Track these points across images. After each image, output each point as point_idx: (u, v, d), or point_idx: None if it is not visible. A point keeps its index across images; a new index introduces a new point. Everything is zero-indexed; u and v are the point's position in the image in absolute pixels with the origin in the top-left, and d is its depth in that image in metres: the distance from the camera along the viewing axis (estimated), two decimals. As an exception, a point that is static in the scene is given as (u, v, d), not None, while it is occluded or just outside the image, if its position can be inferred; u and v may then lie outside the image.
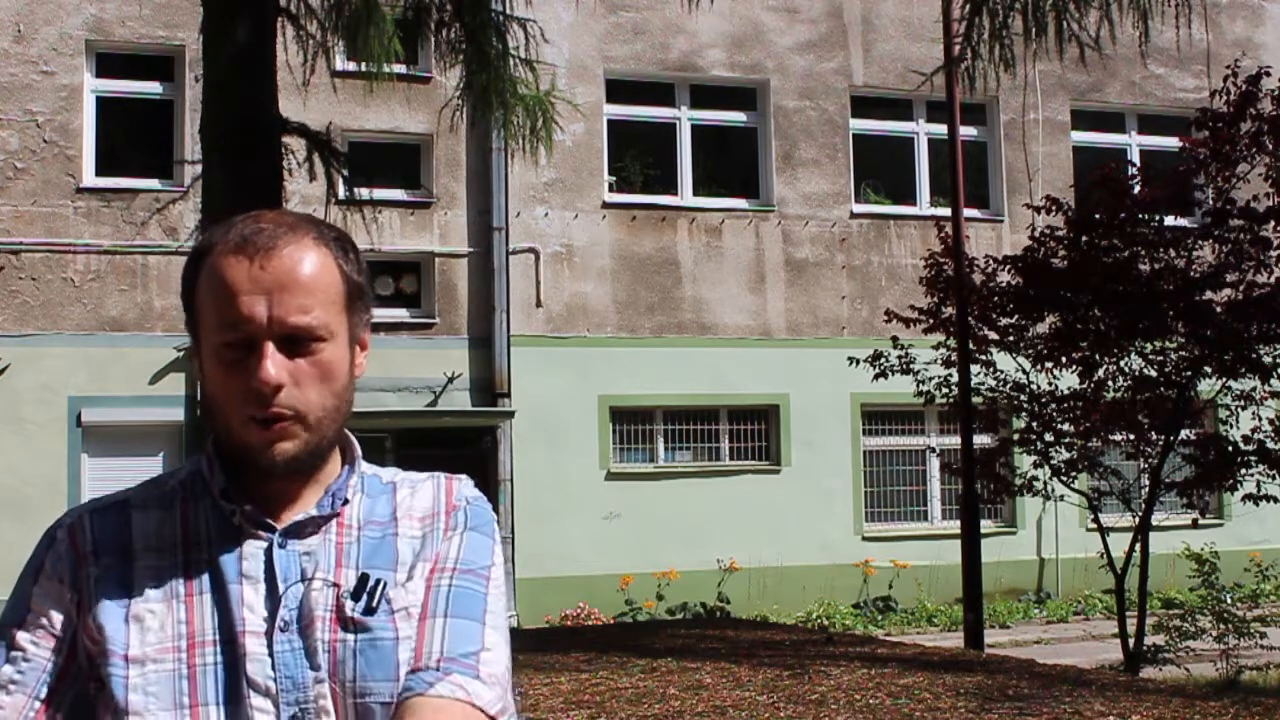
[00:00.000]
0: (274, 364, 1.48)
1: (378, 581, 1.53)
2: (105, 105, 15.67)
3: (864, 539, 17.26)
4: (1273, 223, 10.48)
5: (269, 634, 1.50)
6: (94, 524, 1.55)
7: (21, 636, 1.52)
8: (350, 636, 1.50)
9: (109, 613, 1.50)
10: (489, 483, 15.81)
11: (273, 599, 1.51)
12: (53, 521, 1.59)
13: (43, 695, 1.51)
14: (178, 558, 1.53)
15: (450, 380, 16.07)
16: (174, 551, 1.54)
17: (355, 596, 1.52)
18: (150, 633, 1.49)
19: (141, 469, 14.06)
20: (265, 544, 1.54)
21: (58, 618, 1.52)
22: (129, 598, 1.50)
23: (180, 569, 1.52)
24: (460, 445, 15.79)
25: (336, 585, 1.52)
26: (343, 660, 1.50)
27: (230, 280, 1.50)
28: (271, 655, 1.49)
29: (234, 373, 1.50)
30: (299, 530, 1.55)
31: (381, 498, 1.62)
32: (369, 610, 1.52)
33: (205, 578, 1.52)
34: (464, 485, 1.66)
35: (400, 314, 16.11)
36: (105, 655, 1.49)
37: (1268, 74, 10.53)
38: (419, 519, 1.61)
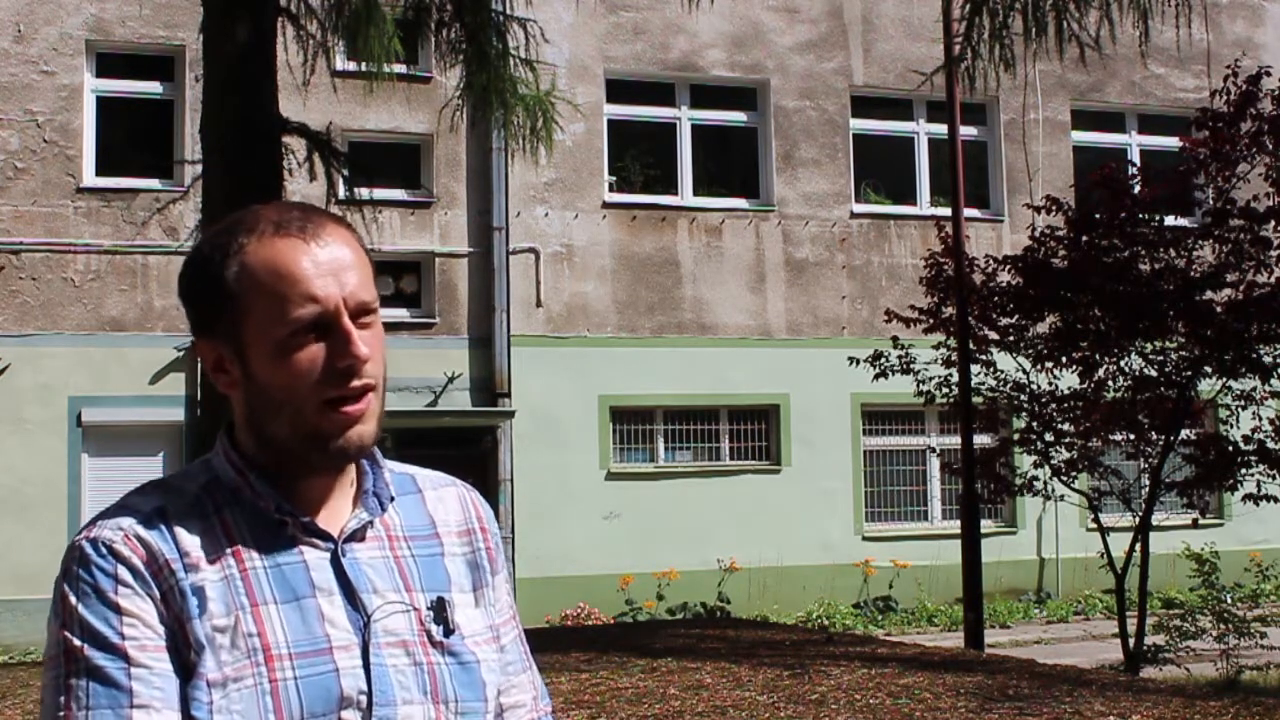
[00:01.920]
0: (360, 338, 1.48)
1: (448, 604, 1.57)
2: (105, 105, 15.67)
3: (864, 539, 17.26)
4: (1273, 223, 10.48)
5: (364, 649, 1.48)
6: (149, 535, 1.46)
7: (137, 654, 1.41)
8: (442, 659, 1.53)
9: (196, 630, 1.43)
10: (489, 483, 15.81)
11: (354, 611, 1.49)
12: (83, 535, 1.47)
13: (178, 708, 1.41)
14: (231, 570, 1.47)
15: (450, 380, 16.07)
16: (225, 563, 1.47)
17: (436, 620, 1.54)
18: (224, 651, 1.43)
19: (141, 469, 14.07)
20: (326, 554, 1.51)
21: (159, 626, 1.42)
22: (200, 616, 1.44)
23: (238, 580, 1.46)
24: (460, 445, 15.79)
25: (416, 610, 1.53)
26: (442, 682, 1.52)
27: (294, 264, 1.47)
28: (367, 671, 1.47)
29: (304, 358, 1.47)
30: (354, 536, 1.54)
31: (409, 498, 1.62)
32: (447, 634, 1.55)
33: (268, 590, 1.47)
34: (482, 500, 1.71)
35: (400, 314, 16.10)
36: (193, 677, 1.42)
37: (1268, 74, 10.53)
38: (456, 534, 1.63)
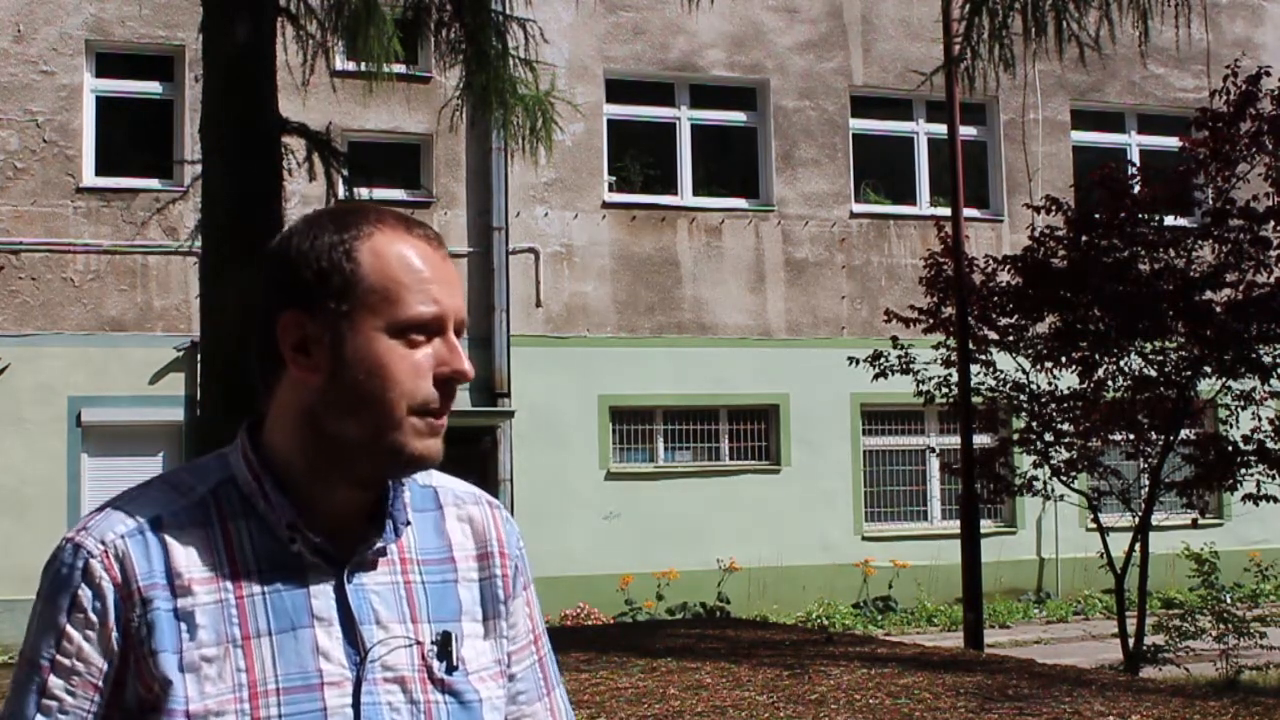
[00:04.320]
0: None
1: (455, 638, 1.49)
2: (105, 105, 15.66)
3: (864, 539, 17.26)
4: (1272, 223, 10.48)
5: (356, 686, 1.40)
6: (134, 553, 1.38)
7: (55, 683, 1.36)
8: (441, 697, 1.45)
9: (167, 662, 1.35)
10: (489, 483, 15.80)
11: (350, 645, 1.41)
12: (71, 535, 1.41)
13: None
14: (227, 593, 1.39)
15: (450, 380, 16.06)
16: (221, 585, 1.39)
17: (440, 656, 1.46)
18: (209, 683, 1.36)
19: (141, 469, 14.06)
20: (332, 580, 1.43)
21: (99, 662, 1.36)
22: (182, 643, 1.36)
23: (232, 606, 1.39)
24: (460, 445, 15.74)
25: (419, 643, 1.45)
26: None
27: (425, 261, 1.43)
28: (356, 709, 1.40)
29: (410, 355, 1.40)
30: (364, 563, 1.45)
31: (427, 516, 1.53)
32: (450, 670, 1.47)
33: (263, 618, 1.39)
34: (510, 521, 1.61)
35: (400, 314, 16.09)
36: (163, 712, 1.35)
37: (1268, 74, 10.53)
38: (473, 558, 1.55)
